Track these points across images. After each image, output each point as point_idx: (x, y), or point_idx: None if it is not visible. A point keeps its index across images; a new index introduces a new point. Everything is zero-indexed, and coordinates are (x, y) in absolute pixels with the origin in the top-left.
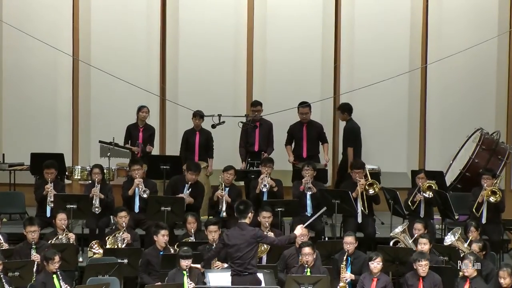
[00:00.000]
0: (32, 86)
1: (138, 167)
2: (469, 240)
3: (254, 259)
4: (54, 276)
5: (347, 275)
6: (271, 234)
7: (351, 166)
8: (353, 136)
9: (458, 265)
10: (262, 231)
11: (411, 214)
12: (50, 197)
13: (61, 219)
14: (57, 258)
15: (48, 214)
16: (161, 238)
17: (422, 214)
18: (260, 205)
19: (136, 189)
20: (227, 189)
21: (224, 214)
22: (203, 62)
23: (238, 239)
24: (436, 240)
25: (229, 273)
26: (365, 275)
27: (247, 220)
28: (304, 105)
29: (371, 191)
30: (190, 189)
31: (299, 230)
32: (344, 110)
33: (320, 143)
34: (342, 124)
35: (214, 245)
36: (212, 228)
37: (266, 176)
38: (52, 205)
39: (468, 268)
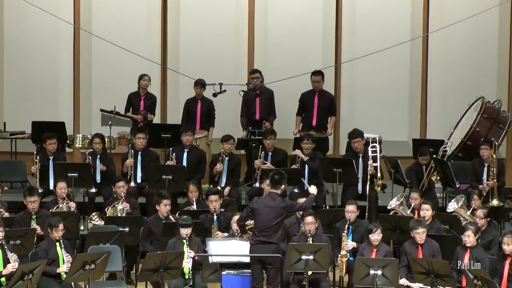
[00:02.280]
0: (33, 55)
1: (143, 135)
2: (471, 208)
3: (280, 229)
4: (57, 244)
5: (348, 243)
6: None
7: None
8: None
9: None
10: (290, 201)
11: (412, 182)
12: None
13: (61, 187)
14: (61, 226)
15: (51, 186)
16: (163, 207)
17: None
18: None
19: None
20: (226, 158)
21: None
22: (204, 30)
23: (268, 209)
24: (438, 209)
25: (229, 241)
26: (365, 246)
27: (279, 191)
28: (317, 73)
29: (374, 187)
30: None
31: (315, 188)
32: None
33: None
34: (344, 94)
35: (215, 215)
36: (213, 197)
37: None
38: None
39: (470, 238)
